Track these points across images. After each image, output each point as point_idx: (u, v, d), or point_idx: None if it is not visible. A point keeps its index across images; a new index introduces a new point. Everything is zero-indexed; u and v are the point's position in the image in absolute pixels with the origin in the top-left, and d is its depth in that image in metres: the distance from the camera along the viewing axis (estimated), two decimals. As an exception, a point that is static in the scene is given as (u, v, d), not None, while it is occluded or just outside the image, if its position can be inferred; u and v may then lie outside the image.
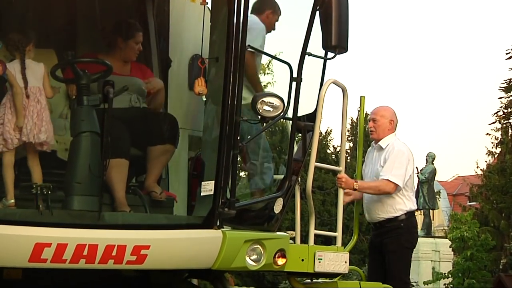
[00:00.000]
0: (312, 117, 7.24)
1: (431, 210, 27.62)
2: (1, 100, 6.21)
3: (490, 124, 30.56)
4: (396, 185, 7.76)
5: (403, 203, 7.91)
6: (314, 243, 7.26)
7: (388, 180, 7.75)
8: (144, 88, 7.04)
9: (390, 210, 7.89)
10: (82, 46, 7.48)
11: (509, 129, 29.82)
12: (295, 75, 6.76)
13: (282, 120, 6.91)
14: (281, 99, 6.55)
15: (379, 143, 8.01)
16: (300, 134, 7.40)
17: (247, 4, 6.22)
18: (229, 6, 6.31)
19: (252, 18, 6.94)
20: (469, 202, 36.00)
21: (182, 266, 6.41)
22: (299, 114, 7.00)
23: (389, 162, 7.83)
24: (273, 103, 6.50)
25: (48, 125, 6.24)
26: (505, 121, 29.82)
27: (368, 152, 8.30)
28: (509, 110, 29.62)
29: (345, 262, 7.33)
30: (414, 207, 8.05)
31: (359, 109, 9.06)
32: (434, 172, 27.14)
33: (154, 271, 6.45)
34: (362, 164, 8.34)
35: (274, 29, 7.51)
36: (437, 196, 30.01)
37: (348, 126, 31.86)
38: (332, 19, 6.88)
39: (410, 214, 7.99)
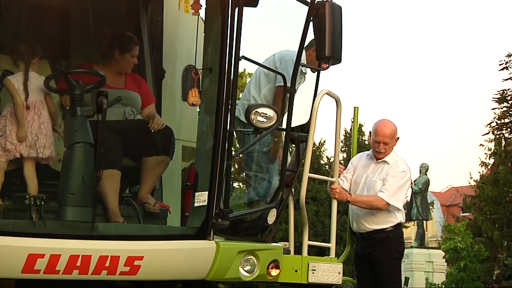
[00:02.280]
0: (305, 128, 7.24)
1: (424, 221, 27.68)
2: (2, 112, 6.27)
3: (483, 135, 30.69)
4: (388, 204, 7.75)
5: (395, 216, 7.90)
6: (308, 254, 7.25)
7: (384, 200, 7.72)
8: (138, 100, 7.06)
9: (380, 222, 7.87)
10: (76, 57, 7.49)
11: (502, 140, 29.90)
12: (288, 85, 6.77)
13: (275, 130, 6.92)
14: (275, 110, 6.56)
15: (384, 159, 7.96)
16: (293, 145, 7.41)
17: (240, 14, 6.23)
18: (223, 16, 6.32)
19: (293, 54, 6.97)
20: (463, 213, 36.08)
21: (176, 277, 6.40)
22: (292, 125, 7.01)
23: (392, 182, 7.77)
24: (266, 114, 6.51)
25: (50, 139, 6.27)
26: (498, 132, 29.89)
27: (363, 159, 8.14)
28: (502, 121, 29.69)
29: (339, 273, 7.33)
30: (403, 219, 8.05)
31: (352, 119, 9.06)
32: (427, 183, 27.21)
33: (147, 282, 6.43)
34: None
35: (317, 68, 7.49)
36: (431, 207, 30.08)
37: (342, 137, 31.92)
38: (325, 30, 6.88)
39: (398, 225, 7.99)
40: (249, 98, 7.43)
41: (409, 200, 27.70)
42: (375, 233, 7.89)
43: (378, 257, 7.86)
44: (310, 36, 6.94)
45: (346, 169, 8.16)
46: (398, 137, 8.01)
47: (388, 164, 7.89)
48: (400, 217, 7.95)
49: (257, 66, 7.62)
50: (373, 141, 7.98)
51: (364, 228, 7.93)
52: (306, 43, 7.06)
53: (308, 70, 7.62)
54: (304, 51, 7.18)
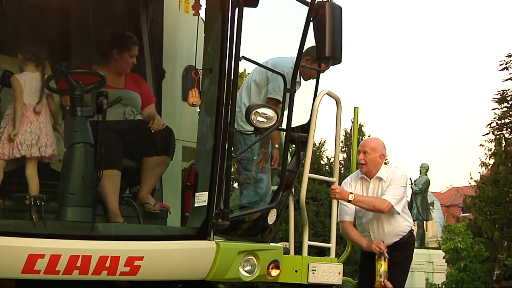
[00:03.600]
0: (306, 128, 7.24)
1: (424, 221, 27.68)
2: (7, 111, 6.26)
3: (483, 135, 30.68)
4: (391, 206, 7.76)
5: (408, 221, 8.04)
6: (308, 254, 7.26)
7: (387, 201, 7.72)
8: (138, 100, 7.06)
9: (400, 232, 7.98)
10: (76, 57, 7.49)
11: (502, 140, 29.89)
12: (288, 86, 6.77)
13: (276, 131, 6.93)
14: (275, 110, 6.56)
15: (377, 175, 7.93)
16: (294, 145, 7.41)
17: (241, 15, 6.23)
18: (223, 17, 6.32)
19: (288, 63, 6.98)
20: (463, 213, 36.09)
21: (176, 277, 6.40)
22: (293, 125, 7.01)
23: (392, 186, 7.82)
24: (267, 114, 6.51)
25: (51, 138, 6.26)
26: (499, 132, 29.88)
27: (353, 182, 8.02)
28: (502, 121, 29.68)
29: (339, 273, 7.33)
30: (412, 222, 8.15)
31: (352, 120, 9.07)
32: (427, 183, 27.20)
33: (147, 282, 6.43)
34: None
35: (310, 78, 7.51)
36: (431, 207, 30.08)
37: (342, 137, 31.94)
38: (325, 30, 6.89)
39: (412, 230, 8.14)
40: (241, 105, 7.44)
41: (409, 200, 27.70)
42: (396, 242, 7.98)
43: (395, 257, 7.88)
44: (308, 42, 6.94)
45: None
46: (383, 155, 7.95)
47: (383, 180, 7.88)
48: (411, 220, 8.13)
49: (255, 67, 7.62)
50: (357, 153, 8.00)
51: (388, 243, 7.97)
52: (306, 50, 7.07)
53: (303, 81, 7.65)
54: (303, 66, 7.19)
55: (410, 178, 27.01)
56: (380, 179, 7.90)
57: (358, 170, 8.11)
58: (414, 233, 8.42)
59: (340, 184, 7.90)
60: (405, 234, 8.00)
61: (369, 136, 35.01)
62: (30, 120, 6.23)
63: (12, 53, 6.67)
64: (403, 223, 7.97)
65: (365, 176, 7.97)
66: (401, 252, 7.97)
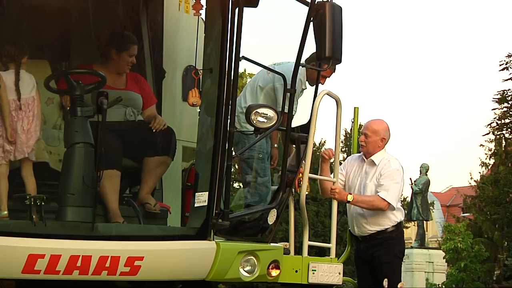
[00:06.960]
0: (306, 128, 7.24)
1: (424, 221, 27.69)
2: None
3: (483, 135, 30.69)
4: (390, 204, 7.73)
5: (393, 215, 7.88)
6: (308, 254, 7.25)
7: (384, 199, 7.70)
8: (139, 101, 7.06)
9: (382, 223, 7.85)
10: (76, 57, 7.49)
11: (503, 140, 29.90)
12: (289, 86, 6.78)
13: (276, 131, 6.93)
14: (275, 110, 6.57)
15: (371, 158, 7.94)
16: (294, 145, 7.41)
17: (241, 15, 6.24)
18: (223, 17, 6.33)
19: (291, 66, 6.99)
20: (463, 213, 36.11)
21: (176, 277, 6.41)
22: (293, 125, 7.01)
23: (387, 181, 7.76)
24: (267, 114, 6.52)
25: (34, 139, 6.20)
26: (499, 132, 29.90)
27: (353, 161, 8.12)
28: (503, 121, 29.70)
29: (339, 273, 7.33)
30: (403, 217, 8.04)
31: (352, 120, 9.06)
32: (428, 183, 27.21)
33: (147, 282, 6.44)
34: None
35: (315, 83, 7.52)
36: (431, 207, 30.10)
37: (342, 137, 31.93)
38: (326, 30, 6.89)
39: (399, 224, 7.99)
40: (243, 108, 7.43)
41: (409, 200, 27.73)
42: (377, 234, 7.88)
43: (381, 257, 7.84)
44: (309, 48, 6.94)
45: (339, 169, 8.13)
46: (385, 138, 7.93)
47: (376, 164, 7.88)
48: (400, 216, 7.95)
49: (259, 69, 7.62)
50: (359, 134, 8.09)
51: (366, 231, 7.91)
52: (306, 57, 7.07)
53: (308, 85, 7.64)
54: (304, 66, 7.18)
55: (410, 178, 27.04)
56: (373, 163, 7.89)
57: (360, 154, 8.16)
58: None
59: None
60: (388, 227, 7.85)
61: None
62: (22, 118, 6.18)
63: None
64: (388, 214, 7.82)
65: (364, 157, 8.00)
66: (386, 250, 7.86)
